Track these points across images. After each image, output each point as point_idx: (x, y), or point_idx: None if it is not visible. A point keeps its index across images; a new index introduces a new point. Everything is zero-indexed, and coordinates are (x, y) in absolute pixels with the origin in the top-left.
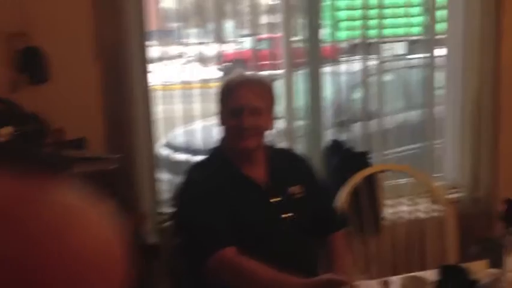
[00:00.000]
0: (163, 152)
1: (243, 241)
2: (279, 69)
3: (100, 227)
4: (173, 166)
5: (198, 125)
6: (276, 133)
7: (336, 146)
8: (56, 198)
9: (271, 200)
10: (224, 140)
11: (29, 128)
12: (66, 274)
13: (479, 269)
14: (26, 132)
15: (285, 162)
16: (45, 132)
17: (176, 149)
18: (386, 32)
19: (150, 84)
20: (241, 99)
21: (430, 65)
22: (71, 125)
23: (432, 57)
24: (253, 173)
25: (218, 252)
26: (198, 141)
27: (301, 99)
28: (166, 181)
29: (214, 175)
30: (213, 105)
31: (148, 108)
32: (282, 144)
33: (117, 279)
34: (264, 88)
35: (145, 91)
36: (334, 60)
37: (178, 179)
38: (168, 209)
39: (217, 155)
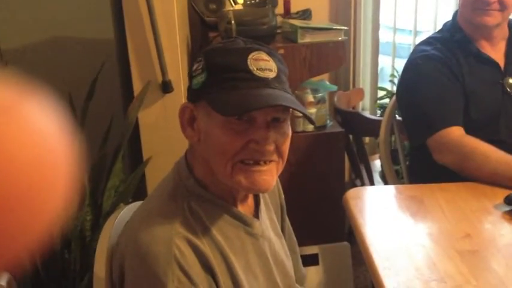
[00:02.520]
0: (385, 32)
1: (470, 123)
2: None
3: (38, 125)
4: (394, 48)
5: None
6: None
7: None
8: None
9: (509, 81)
10: (461, 14)
11: None
12: None
13: None
14: (257, 2)
15: None
16: (274, 2)
17: (398, 31)
18: None
19: None
20: None
21: None
22: None
23: None
24: (491, 51)
25: (445, 130)
26: (423, 21)
27: None
28: (387, 61)
29: (447, 50)
30: None
31: None
32: None
33: (58, 183)
34: None
35: None
36: None
37: (399, 62)
38: (387, 85)
39: (451, 29)
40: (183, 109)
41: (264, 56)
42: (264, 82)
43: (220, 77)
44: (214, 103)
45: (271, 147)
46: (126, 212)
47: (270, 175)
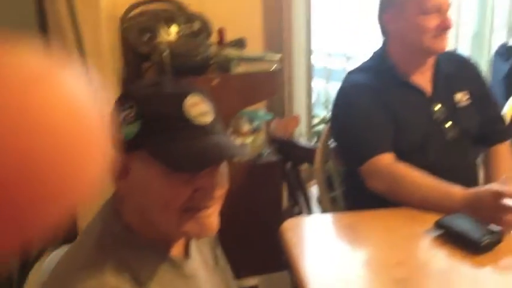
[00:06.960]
0: (319, 58)
1: (400, 149)
2: None
3: (73, 91)
4: (328, 73)
5: (355, 31)
6: None
7: (507, 51)
8: (19, 60)
9: (435, 108)
10: (412, 40)
11: (193, 28)
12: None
13: None
14: (191, 32)
15: (452, 67)
16: (209, 31)
17: (332, 55)
18: None
19: None
20: None
21: None
22: (232, 26)
23: None
24: (419, 79)
25: (375, 158)
26: (355, 47)
27: None
28: (321, 86)
29: (376, 78)
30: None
31: (307, 11)
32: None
33: (96, 151)
34: None
35: None
36: None
37: (333, 85)
38: (321, 112)
39: (380, 57)
40: (114, 162)
41: (198, 99)
42: (205, 129)
43: (157, 127)
44: (161, 157)
45: (219, 192)
46: (53, 257)
47: (216, 216)
